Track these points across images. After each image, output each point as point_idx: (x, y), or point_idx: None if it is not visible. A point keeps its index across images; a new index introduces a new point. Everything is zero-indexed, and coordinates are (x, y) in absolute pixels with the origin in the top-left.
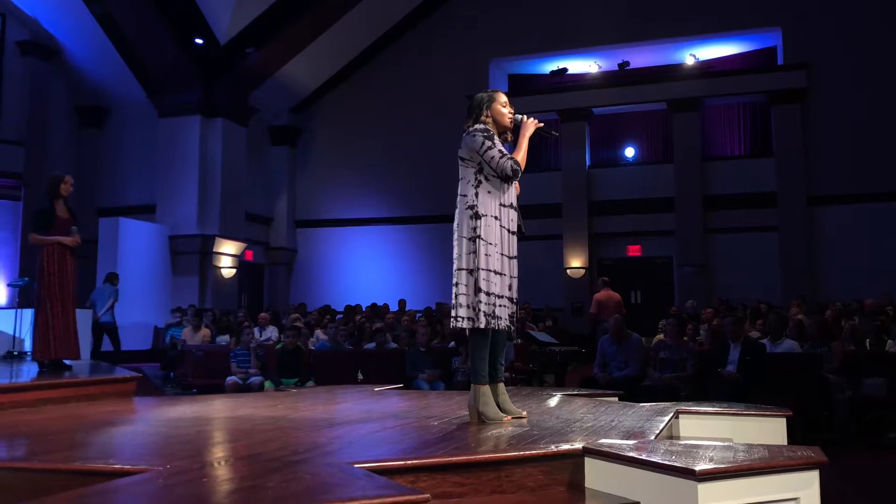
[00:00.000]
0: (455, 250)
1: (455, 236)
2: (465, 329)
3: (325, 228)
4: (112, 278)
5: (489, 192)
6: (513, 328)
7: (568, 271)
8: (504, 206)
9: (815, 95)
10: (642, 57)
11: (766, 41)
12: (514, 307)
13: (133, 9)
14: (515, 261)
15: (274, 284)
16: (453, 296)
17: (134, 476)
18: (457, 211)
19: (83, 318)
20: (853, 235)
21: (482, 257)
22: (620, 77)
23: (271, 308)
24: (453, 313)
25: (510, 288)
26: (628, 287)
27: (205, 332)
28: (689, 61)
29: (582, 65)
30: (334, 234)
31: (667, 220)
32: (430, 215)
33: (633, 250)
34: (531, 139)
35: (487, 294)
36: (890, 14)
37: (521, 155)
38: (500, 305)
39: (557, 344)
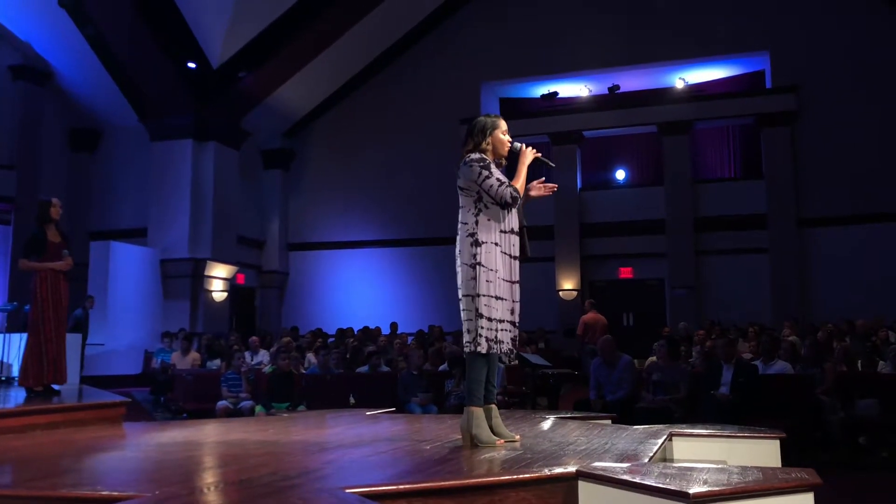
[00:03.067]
0: (458, 278)
1: (458, 263)
2: (465, 352)
3: (317, 251)
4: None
5: (489, 219)
6: (514, 351)
7: (560, 293)
8: (504, 231)
9: (804, 118)
10: (633, 80)
11: (754, 65)
12: (516, 331)
13: (126, 32)
14: (517, 285)
15: (266, 308)
16: (463, 322)
17: (123, 503)
18: (458, 238)
19: (72, 342)
20: (843, 257)
21: (483, 283)
22: (611, 100)
23: (264, 331)
24: (465, 339)
25: (512, 312)
26: (620, 309)
27: (194, 356)
28: (679, 85)
29: (573, 88)
30: (326, 257)
31: (658, 242)
32: (422, 238)
33: (625, 272)
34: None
35: (489, 319)
36: (877, 36)
37: (521, 183)
38: (501, 330)
39: (550, 366)
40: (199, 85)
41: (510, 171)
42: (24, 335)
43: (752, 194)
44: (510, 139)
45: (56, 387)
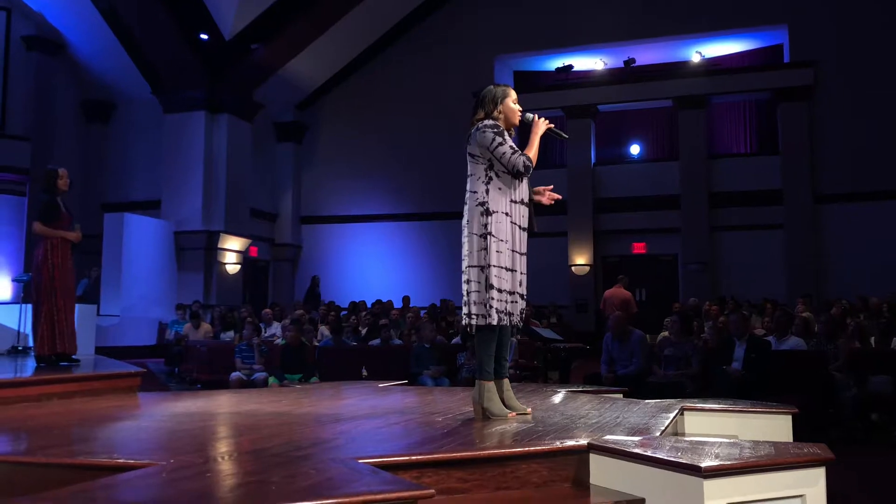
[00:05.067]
0: (465, 247)
1: (465, 233)
2: (471, 326)
3: (329, 225)
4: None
5: (500, 188)
6: (521, 324)
7: (573, 268)
8: (515, 202)
9: (822, 93)
10: (648, 54)
11: (772, 39)
12: (524, 303)
13: (138, 4)
14: (525, 257)
15: (278, 280)
16: (464, 293)
17: (138, 470)
18: (466, 207)
19: (87, 313)
20: (859, 233)
21: (493, 254)
22: (626, 74)
23: (276, 304)
24: (465, 310)
25: (520, 284)
26: (633, 284)
27: (206, 327)
28: (696, 59)
29: (587, 62)
30: (339, 231)
31: (672, 217)
32: (435, 212)
33: (639, 247)
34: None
35: (499, 290)
36: (895, 12)
37: (533, 153)
38: (510, 301)
39: (562, 340)
40: (212, 57)
41: (521, 143)
42: (29, 306)
43: (768, 170)
44: (520, 109)
45: (75, 356)
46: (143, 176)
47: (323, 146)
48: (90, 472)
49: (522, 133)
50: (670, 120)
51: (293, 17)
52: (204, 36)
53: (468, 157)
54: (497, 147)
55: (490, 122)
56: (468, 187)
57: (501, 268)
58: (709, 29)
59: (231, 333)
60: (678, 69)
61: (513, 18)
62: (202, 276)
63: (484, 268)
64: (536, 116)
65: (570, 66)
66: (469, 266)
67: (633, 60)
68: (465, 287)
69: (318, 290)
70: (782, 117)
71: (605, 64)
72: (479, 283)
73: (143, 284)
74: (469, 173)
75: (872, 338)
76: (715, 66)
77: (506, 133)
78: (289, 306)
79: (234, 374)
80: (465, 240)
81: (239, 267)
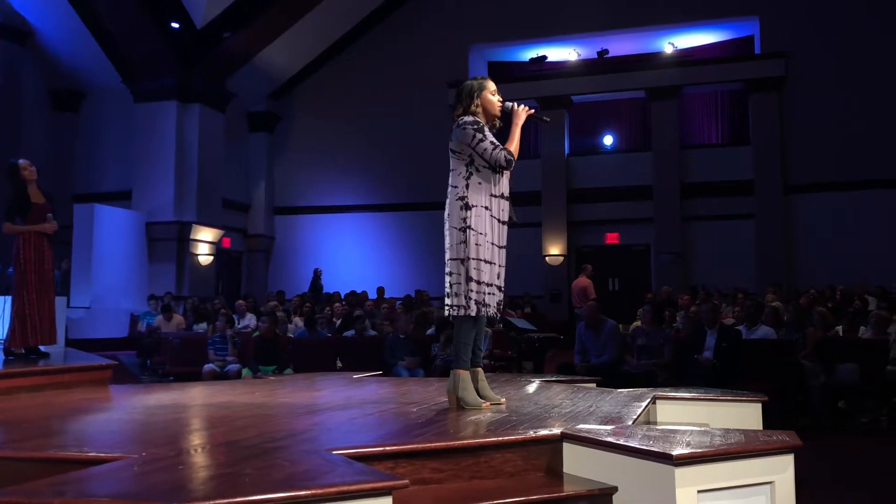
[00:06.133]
0: (446, 240)
1: (446, 227)
2: (452, 316)
3: (303, 216)
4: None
5: (479, 182)
6: (498, 315)
7: (547, 259)
8: (495, 196)
9: (793, 84)
10: (622, 45)
11: (743, 30)
12: (501, 295)
13: None
14: (504, 250)
15: (252, 272)
16: (447, 285)
17: (109, 464)
18: (447, 202)
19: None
20: (829, 223)
21: (472, 247)
22: (600, 65)
23: (249, 295)
24: (447, 302)
25: (498, 276)
26: (606, 274)
27: (178, 319)
28: (668, 49)
29: (561, 52)
30: (313, 222)
31: (645, 207)
32: (410, 202)
33: (612, 238)
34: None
35: (478, 283)
36: (866, 4)
37: (514, 145)
38: (488, 294)
39: (536, 330)
40: (183, 46)
41: (505, 132)
42: (9, 298)
43: (740, 160)
44: (500, 99)
45: (43, 348)
46: (114, 166)
47: (296, 136)
48: (60, 466)
49: (507, 123)
50: (643, 111)
51: (266, 5)
52: (175, 24)
53: (450, 153)
54: (478, 143)
55: (469, 118)
56: (450, 182)
57: (480, 260)
58: (681, 20)
59: (204, 325)
60: (651, 60)
61: (487, 8)
62: (174, 268)
63: (463, 260)
64: (517, 105)
65: (545, 57)
66: (450, 259)
67: (607, 51)
68: (447, 279)
69: (321, 282)
70: (754, 108)
71: (579, 55)
72: (458, 275)
73: (114, 276)
74: (451, 168)
75: (840, 327)
76: (687, 58)
77: (486, 128)
78: (262, 298)
79: (208, 367)
80: (446, 233)
81: (212, 258)
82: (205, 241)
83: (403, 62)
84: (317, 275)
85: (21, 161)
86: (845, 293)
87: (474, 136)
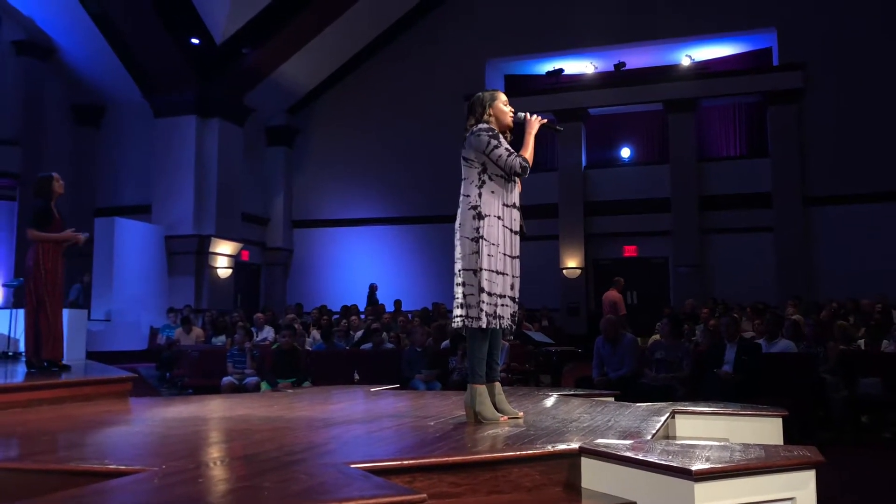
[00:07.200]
0: (458, 251)
1: (457, 236)
2: (464, 328)
3: (321, 229)
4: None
5: (492, 192)
6: (513, 327)
7: (564, 271)
8: (507, 206)
9: (811, 96)
10: (638, 58)
11: (761, 42)
12: (516, 306)
13: (129, 8)
14: (517, 260)
15: (270, 285)
16: (461, 295)
17: (129, 476)
18: (459, 211)
19: (78, 318)
20: (848, 235)
21: (485, 257)
22: (616, 78)
23: (267, 308)
24: (458, 312)
25: (512, 287)
26: (625, 287)
27: (197, 332)
28: (685, 62)
29: (578, 65)
30: (331, 235)
31: (663, 220)
32: (427, 216)
33: (630, 251)
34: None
35: (490, 294)
36: (884, 15)
37: (529, 153)
38: (501, 305)
39: (553, 344)
40: (203, 61)
41: (517, 143)
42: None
43: (758, 173)
44: (512, 110)
45: (65, 361)
46: (134, 180)
47: (314, 150)
48: (81, 478)
49: (519, 134)
50: (660, 123)
51: (284, 21)
52: (195, 40)
53: (462, 161)
54: (493, 150)
55: (484, 125)
56: (462, 191)
57: (493, 271)
58: (698, 32)
59: (223, 338)
60: (668, 73)
61: (504, 22)
62: (193, 281)
63: (476, 271)
64: (529, 115)
65: (561, 70)
66: (461, 269)
67: (624, 64)
68: (457, 290)
69: (376, 296)
70: (772, 120)
71: (596, 67)
72: (470, 286)
73: (133, 289)
74: (463, 177)
75: (862, 340)
76: (704, 70)
77: (500, 136)
78: (280, 311)
79: (226, 379)
80: (457, 243)
81: (230, 271)
82: (224, 255)
83: (420, 76)
84: (372, 290)
85: (55, 174)
86: (867, 306)
87: (489, 143)
